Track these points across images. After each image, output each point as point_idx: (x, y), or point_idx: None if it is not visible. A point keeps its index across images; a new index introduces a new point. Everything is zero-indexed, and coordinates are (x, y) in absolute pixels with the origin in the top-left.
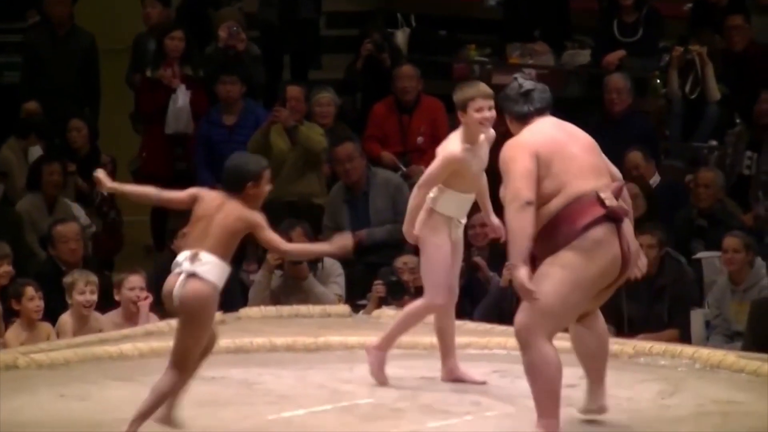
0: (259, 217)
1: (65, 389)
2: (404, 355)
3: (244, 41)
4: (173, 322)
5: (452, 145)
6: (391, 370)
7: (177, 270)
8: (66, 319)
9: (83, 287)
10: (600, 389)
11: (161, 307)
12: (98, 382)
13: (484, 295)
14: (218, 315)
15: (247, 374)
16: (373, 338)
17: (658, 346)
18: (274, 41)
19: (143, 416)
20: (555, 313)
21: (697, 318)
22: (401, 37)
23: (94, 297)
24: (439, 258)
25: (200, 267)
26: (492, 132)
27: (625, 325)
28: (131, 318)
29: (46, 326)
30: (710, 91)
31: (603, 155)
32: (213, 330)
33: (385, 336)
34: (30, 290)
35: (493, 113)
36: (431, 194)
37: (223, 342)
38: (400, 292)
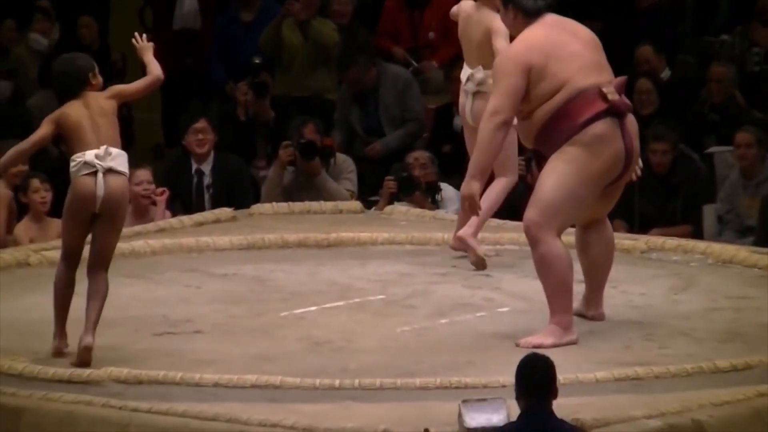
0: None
1: (77, 287)
2: (416, 251)
3: None
4: (184, 219)
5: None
6: (403, 266)
7: None
8: None
9: None
10: (598, 297)
11: (174, 204)
12: (110, 279)
13: None
14: (230, 212)
15: (259, 271)
16: (384, 234)
17: (671, 242)
18: None
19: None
20: (562, 208)
21: (709, 213)
22: None
23: None
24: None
25: None
26: None
27: (636, 221)
28: (141, 212)
29: (56, 222)
30: None
31: (603, 53)
32: None
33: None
34: (35, 182)
35: None
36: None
37: (235, 238)
38: (412, 187)
